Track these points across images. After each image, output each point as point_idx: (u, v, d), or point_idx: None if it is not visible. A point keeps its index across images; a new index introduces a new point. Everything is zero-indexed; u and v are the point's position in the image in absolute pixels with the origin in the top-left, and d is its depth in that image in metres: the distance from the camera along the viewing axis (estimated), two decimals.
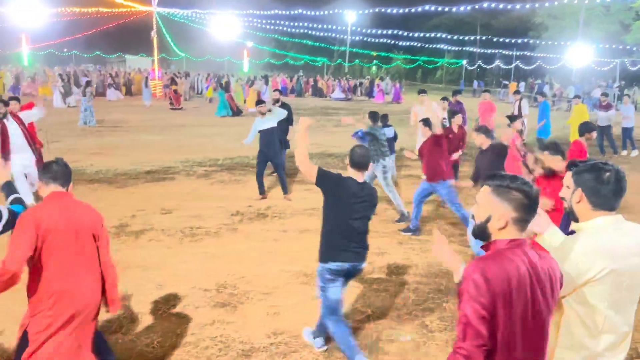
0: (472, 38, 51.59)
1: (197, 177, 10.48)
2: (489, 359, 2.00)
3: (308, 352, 4.30)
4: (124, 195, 8.91)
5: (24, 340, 3.16)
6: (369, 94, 36.59)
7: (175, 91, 24.66)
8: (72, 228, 3.14)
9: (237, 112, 22.56)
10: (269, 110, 8.98)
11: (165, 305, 5.02)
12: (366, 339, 4.53)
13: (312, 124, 4.21)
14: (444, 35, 47.58)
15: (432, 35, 47.51)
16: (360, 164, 4.05)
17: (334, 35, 51.55)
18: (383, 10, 37.56)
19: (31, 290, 3.15)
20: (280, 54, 58.83)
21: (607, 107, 14.58)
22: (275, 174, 10.46)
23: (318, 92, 36.12)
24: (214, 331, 4.58)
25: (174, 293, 5.27)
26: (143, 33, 34.48)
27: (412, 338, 4.54)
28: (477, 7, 36.15)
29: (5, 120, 7.60)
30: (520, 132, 7.97)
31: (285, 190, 9.07)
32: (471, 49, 55.62)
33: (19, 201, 3.34)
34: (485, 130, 6.53)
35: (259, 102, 9.38)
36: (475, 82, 48.88)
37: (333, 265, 3.98)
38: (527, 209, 2.08)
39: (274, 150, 8.93)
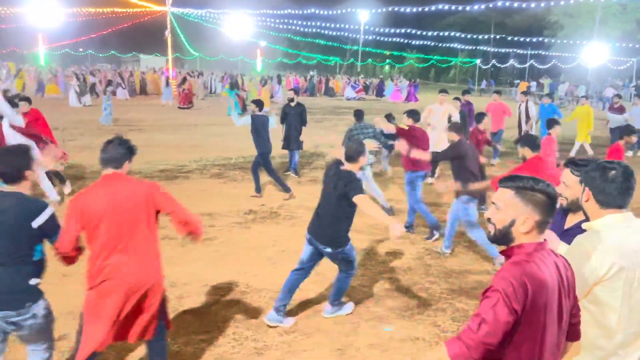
0: (486, 37, 51.26)
1: (210, 176, 10.55)
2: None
3: (320, 350, 4.31)
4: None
5: (81, 314, 3.38)
6: (379, 93, 36.47)
7: (183, 89, 24.85)
8: (118, 209, 3.20)
9: (244, 109, 22.84)
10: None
11: (177, 303, 5.06)
12: (378, 338, 4.53)
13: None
14: (457, 34, 47.31)
15: (446, 34, 47.27)
16: (350, 157, 4.43)
17: (346, 34, 51.57)
18: (396, 9, 37.45)
19: (87, 267, 3.32)
20: (293, 53, 58.94)
21: (620, 109, 14.27)
22: (286, 174, 10.50)
23: (329, 92, 36.12)
24: (226, 329, 4.61)
25: (186, 291, 5.32)
26: (157, 33, 34.71)
27: (422, 337, 4.54)
28: (491, 5, 35.93)
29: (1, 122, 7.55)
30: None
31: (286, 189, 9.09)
32: (485, 48, 55.25)
33: None
34: (456, 128, 6.45)
35: (255, 101, 9.21)
36: (484, 82, 48.34)
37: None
38: (550, 211, 2.03)
39: (265, 148, 8.86)
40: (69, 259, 3.27)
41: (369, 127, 8.15)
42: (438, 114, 9.83)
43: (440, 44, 52.10)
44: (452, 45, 52.61)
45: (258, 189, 9.00)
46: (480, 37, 48.58)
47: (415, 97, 33.28)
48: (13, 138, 7.40)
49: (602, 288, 2.30)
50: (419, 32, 45.86)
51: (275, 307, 4.66)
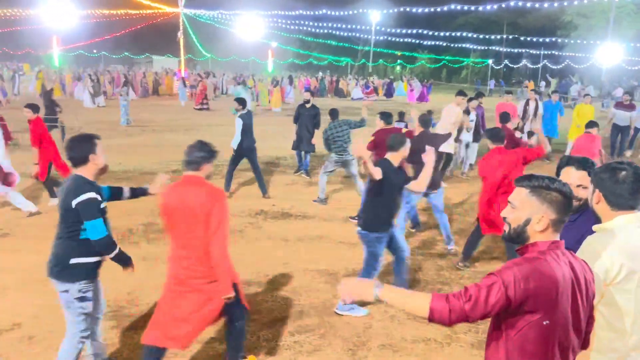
0: (498, 37, 50.94)
1: (221, 176, 10.56)
2: None
3: (332, 350, 4.32)
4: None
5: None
6: (388, 94, 36.38)
7: (195, 89, 25.18)
8: (184, 208, 3.43)
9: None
10: (242, 109, 8.95)
11: None
12: (390, 339, 4.53)
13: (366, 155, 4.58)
14: (469, 35, 47.05)
15: (458, 34, 47.02)
16: (391, 147, 4.80)
17: (358, 35, 51.47)
18: (408, 9, 37.35)
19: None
20: (304, 54, 58.99)
21: (631, 107, 14.09)
22: (297, 174, 10.51)
23: (339, 93, 36.14)
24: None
25: None
26: (170, 34, 35.02)
27: (434, 338, 4.53)
28: (504, 5, 35.68)
29: None
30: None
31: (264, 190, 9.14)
32: (497, 48, 54.88)
33: None
34: (423, 121, 6.94)
35: (238, 99, 9.12)
36: (492, 82, 47.92)
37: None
38: (566, 210, 2.04)
39: (250, 146, 8.88)
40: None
41: (344, 125, 8.39)
42: (451, 114, 9.77)
43: (452, 44, 51.88)
44: (464, 45, 52.36)
45: (228, 188, 9.04)
46: (492, 37, 48.27)
47: (427, 97, 33.15)
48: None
49: (615, 290, 2.28)
50: (430, 33, 45.71)
51: None
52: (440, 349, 4.40)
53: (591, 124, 8.34)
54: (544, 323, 1.95)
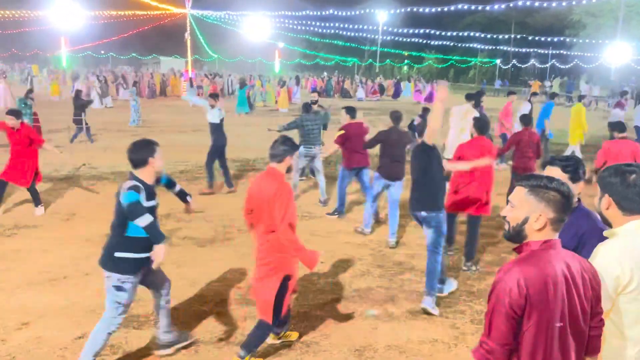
0: (506, 37, 50.72)
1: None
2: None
3: (338, 351, 4.32)
4: (158, 193, 9.09)
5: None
6: (396, 94, 36.33)
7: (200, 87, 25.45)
8: (258, 198, 3.88)
9: (251, 107, 23.83)
10: (212, 105, 9.22)
11: (197, 302, 5.12)
12: (397, 339, 4.52)
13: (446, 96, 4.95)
14: (477, 34, 46.87)
15: (465, 34, 46.85)
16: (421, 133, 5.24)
17: (365, 35, 51.40)
18: (415, 9, 37.25)
19: None
20: (311, 54, 59.01)
21: (620, 105, 14.24)
22: (307, 177, 10.48)
23: (344, 93, 36.16)
24: (246, 328, 4.64)
25: (206, 290, 5.37)
26: (177, 35, 35.12)
27: (441, 339, 4.51)
28: (511, 5, 35.52)
29: None
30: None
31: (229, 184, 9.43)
32: (505, 48, 54.63)
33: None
34: (394, 117, 7.17)
35: (212, 95, 9.52)
36: (498, 82, 47.64)
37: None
38: (564, 209, 2.05)
39: (221, 142, 9.21)
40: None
41: (318, 119, 8.74)
42: (457, 115, 9.68)
43: (459, 44, 51.71)
44: (471, 45, 52.16)
45: (211, 185, 9.24)
46: (500, 36, 48.07)
47: (435, 97, 32.96)
48: None
49: (626, 298, 2.24)
50: (438, 32, 45.59)
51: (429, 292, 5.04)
52: (447, 349, 4.38)
53: (620, 127, 7.69)
54: (556, 325, 1.95)
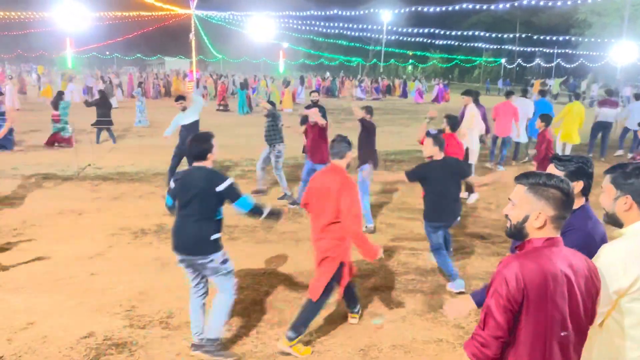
0: (511, 36, 50.56)
1: (234, 177, 10.63)
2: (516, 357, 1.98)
3: (342, 350, 4.31)
4: (163, 194, 9.12)
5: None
6: (403, 94, 36.33)
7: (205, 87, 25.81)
8: (320, 191, 4.21)
9: (251, 109, 24.19)
10: (184, 108, 8.99)
11: None
12: (401, 339, 4.51)
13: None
14: (482, 34, 46.75)
15: (470, 33, 46.74)
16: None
17: (369, 35, 51.35)
18: (419, 9, 37.16)
19: None
20: (315, 54, 59.02)
21: (613, 104, 14.26)
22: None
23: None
24: (250, 328, 4.65)
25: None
26: (182, 35, 35.18)
27: (446, 339, 4.50)
28: (516, 4, 35.39)
29: None
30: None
31: None
32: (510, 47, 54.47)
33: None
34: (367, 110, 7.64)
35: (179, 98, 9.18)
36: (500, 81, 47.47)
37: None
38: (565, 206, 2.04)
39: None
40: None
41: (279, 119, 9.00)
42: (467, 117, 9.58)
43: (464, 44, 51.58)
44: (476, 44, 52.03)
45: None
46: (505, 36, 47.93)
47: (443, 97, 32.73)
48: None
49: (630, 298, 2.21)
50: (442, 32, 45.48)
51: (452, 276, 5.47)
52: (452, 349, 4.37)
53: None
54: (538, 317, 1.94)
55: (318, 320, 4.80)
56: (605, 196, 2.43)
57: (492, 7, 39.49)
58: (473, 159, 9.32)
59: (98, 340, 4.37)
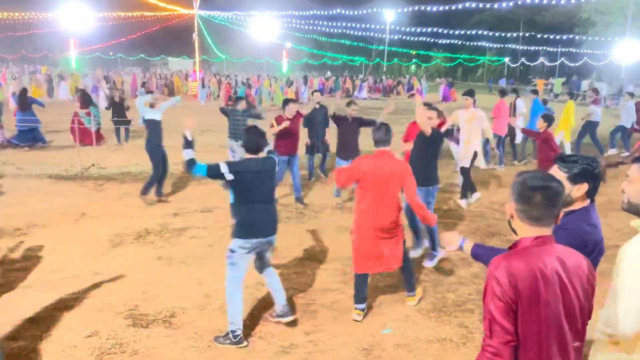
0: (514, 35, 50.44)
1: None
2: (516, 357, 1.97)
3: (346, 350, 4.31)
4: (167, 193, 9.14)
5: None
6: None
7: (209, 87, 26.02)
8: (378, 173, 4.60)
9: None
10: (152, 105, 8.86)
11: (206, 301, 5.13)
12: (404, 338, 4.51)
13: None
14: (485, 33, 46.65)
15: (473, 32, 46.63)
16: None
17: (372, 34, 51.31)
18: (422, 8, 37.10)
19: (355, 209, 4.86)
20: (318, 54, 59.00)
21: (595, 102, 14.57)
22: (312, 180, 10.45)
23: (349, 93, 36.17)
24: (254, 327, 4.65)
25: (214, 289, 5.37)
26: (185, 35, 35.27)
27: (449, 338, 4.50)
28: (520, 3, 35.31)
29: None
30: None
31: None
32: (514, 46, 54.33)
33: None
34: (351, 104, 8.46)
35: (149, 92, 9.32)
36: (502, 81, 47.33)
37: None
38: (527, 201, 2.04)
39: (157, 141, 8.68)
40: (344, 187, 5.48)
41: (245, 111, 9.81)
42: (463, 119, 9.41)
43: (467, 43, 51.49)
44: (479, 43, 51.92)
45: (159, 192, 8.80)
46: (508, 35, 47.81)
47: (450, 97, 32.58)
48: None
49: None
50: (445, 31, 45.39)
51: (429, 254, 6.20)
52: (455, 349, 4.36)
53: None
54: (530, 317, 1.92)
55: (320, 318, 4.81)
56: (632, 185, 2.35)
57: (496, 6, 39.34)
58: (480, 163, 9.28)
59: (102, 340, 4.38)
